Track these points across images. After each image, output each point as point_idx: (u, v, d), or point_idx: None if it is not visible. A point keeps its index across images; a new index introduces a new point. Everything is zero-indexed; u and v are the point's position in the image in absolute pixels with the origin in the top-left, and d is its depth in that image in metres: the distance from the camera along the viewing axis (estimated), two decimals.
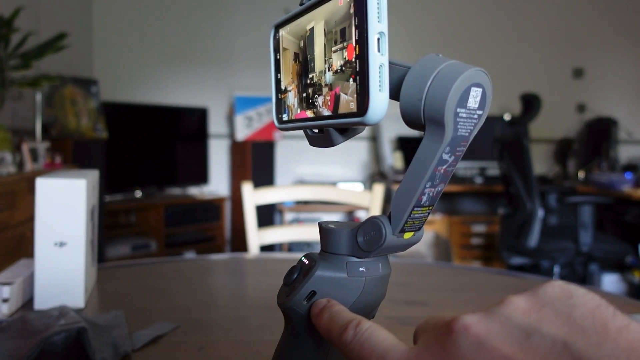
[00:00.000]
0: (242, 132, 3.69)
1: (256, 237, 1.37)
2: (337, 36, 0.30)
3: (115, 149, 3.24)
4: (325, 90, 0.32)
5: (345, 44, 0.30)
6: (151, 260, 1.02)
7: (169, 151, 3.73)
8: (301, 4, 0.34)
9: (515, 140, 2.63)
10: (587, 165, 3.71)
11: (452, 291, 0.87)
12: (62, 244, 0.68)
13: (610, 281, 3.21)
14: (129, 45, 3.79)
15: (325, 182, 3.80)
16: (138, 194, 3.48)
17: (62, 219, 0.68)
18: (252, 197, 1.39)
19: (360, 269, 0.33)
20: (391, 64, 0.29)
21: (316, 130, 0.36)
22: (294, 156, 4.03)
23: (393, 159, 3.75)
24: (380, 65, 0.28)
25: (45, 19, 2.89)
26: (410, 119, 0.29)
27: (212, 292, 0.85)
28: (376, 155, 4.09)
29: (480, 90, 0.28)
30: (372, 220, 0.32)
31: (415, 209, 0.30)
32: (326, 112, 0.32)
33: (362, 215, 3.79)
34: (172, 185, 3.74)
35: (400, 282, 0.90)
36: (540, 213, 2.57)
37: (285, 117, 0.38)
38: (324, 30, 0.32)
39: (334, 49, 0.31)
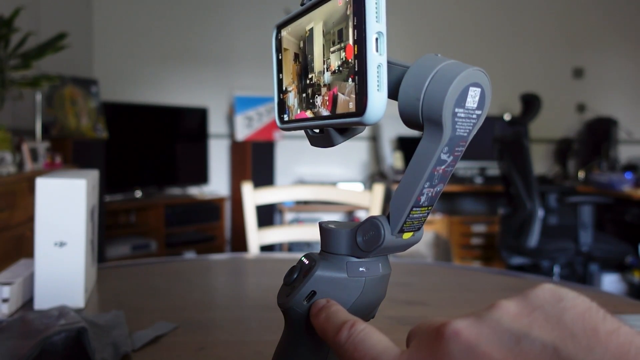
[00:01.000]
0: (242, 132, 3.69)
1: (256, 237, 1.37)
2: (335, 37, 0.30)
3: (115, 149, 3.24)
4: (324, 90, 0.32)
5: (343, 44, 0.30)
6: (151, 260, 1.02)
7: (169, 151, 3.73)
8: (302, 4, 0.34)
9: (515, 140, 2.63)
10: (587, 165, 3.71)
11: (452, 291, 0.87)
12: (62, 244, 0.68)
13: (610, 281, 3.21)
14: (129, 45, 3.79)
15: (325, 182, 3.80)
16: (138, 194, 3.48)
17: (62, 219, 0.68)
18: (252, 197, 1.39)
19: (360, 269, 0.33)
20: (390, 64, 0.29)
21: (317, 130, 0.36)
22: (294, 156, 4.03)
23: (393, 159, 3.75)
24: (379, 65, 0.28)
25: (45, 19, 2.89)
26: (408, 119, 0.29)
27: (212, 292, 0.85)
28: (376, 155, 4.09)
29: (478, 90, 0.28)
30: (371, 220, 0.32)
31: (414, 209, 0.30)
32: (325, 112, 0.32)
33: (362, 215, 3.79)
34: (172, 185, 3.74)
35: (400, 282, 0.90)
36: (540, 213, 2.57)
37: (286, 117, 0.38)
38: (323, 30, 0.32)
39: (332, 49, 0.31)
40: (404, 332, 0.30)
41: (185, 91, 3.88)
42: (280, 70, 0.38)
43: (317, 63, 0.33)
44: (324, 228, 0.34)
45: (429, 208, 0.31)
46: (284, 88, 0.38)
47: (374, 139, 4.10)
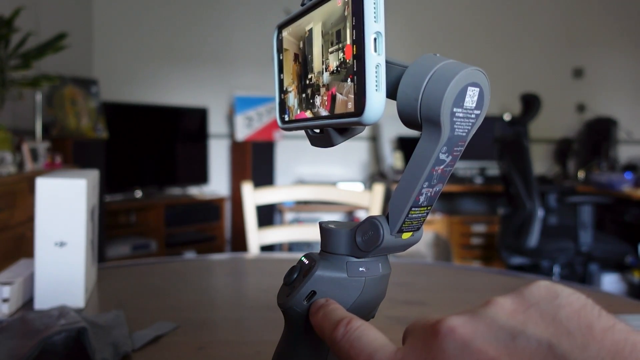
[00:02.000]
0: (242, 132, 3.69)
1: (256, 237, 1.37)
2: (333, 37, 0.30)
3: (115, 149, 3.24)
4: (322, 90, 0.32)
5: (341, 44, 0.30)
6: (151, 260, 1.02)
7: (169, 151, 3.73)
8: (302, 4, 0.34)
9: (515, 140, 2.63)
10: (587, 165, 3.71)
11: (452, 291, 0.87)
12: (62, 244, 0.69)
13: (610, 281, 3.21)
14: (129, 45, 3.80)
15: (325, 182, 3.80)
16: (138, 194, 3.48)
17: (62, 219, 0.68)
18: (252, 197, 1.39)
19: (360, 269, 0.33)
20: (389, 64, 0.29)
21: (317, 131, 0.36)
22: (294, 156, 4.03)
23: (393, 159, 3.75)
24: (377, 65, 0.28)
25: (45, 19, 2.89)
26: (407, 119, 0.29)
27: (212, 292, 0.85)
28: (376, 155, 4.09)
29: (477, 89, 0.28)
30: (370, 220, 0.32)
31: (413, 209, 0.30)
32: (324, 113, 0.32)
33: (362, 215, 3.79)
34: (172, 185, 3.74)
35: (400, 282, 0.90)
36: (540, 213, 2.57)
37: (287, 118, 0.38)
38: (322, 31, 0.32)
39: (330, 49, 0.31)
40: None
41: (185, 91, 3.88)
42: (281, 70, 0.38)
43: (316, 63, 0.33)
44: (323, 228, 0.34)
45: (428, 208, 0.31)
46: (284, 88, 0.38)
47: (374, 139, 4.10)
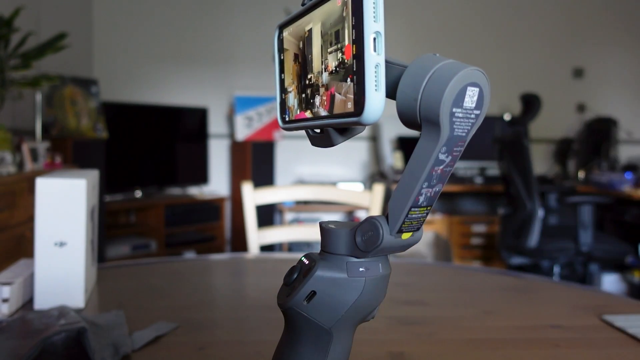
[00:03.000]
0: (242, 132, 3.69)
1: (256, 237, 1.37)
2: (332, 38, 0.30)
3: (115, 149, 3.24)
4: (322, 90, 0.32)
5: (340, 45, 0.30)
6: (151, 260, 1.02)
7: (169, 151, 3.73)
8: (302, 4, 0.34)
9: (515, 140, 2.63)
10: (587, 165, 3.71)
11: (452, 291, 0.87)
12: (62, 244, 0.69)
13: (610, 281, 3.21)
14: (129, 45, 3.80)
15: (325, 182, 3.80)
16: (138, 194, 3.48)
17: (62, 219, 0.68)
18: (252, 197, 1.39)
19: (360, 269, 0.33)
20: (389, 63, 0.29)
21: (318, 130, 0.36)
22: (294, 156, 4.03)
23: (393, 159, 3.75)
24: (377, 65, 0.28)
25: (45, 19, 2.89)
26: (406, 119, 0.29)
27: (212, 292, 0.85)
28: (376, 155, 4.09)
29: (476, 89, 0.28)
30: (369, 220, 0.32)
31: (413, 209, 0.30)
32: (324, 113, 0.32)
33: (362, 215, 3.79)
34: (172, 185, 3.74)
35: (400, 282, 0.90)
36: (540, 213, 2.57)
37: (287, 118, 0.38)
38: (321, 31, 0.32)
39: (329, 50, 0.31)
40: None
41: (185, 91, 3.89)
42: (282, 70, 0.38)
43: (316, 63, 0.33)
44: (324, 228, 0.34)
45: (428, 208, 0.31)
46: (285, 88, 0.38)
47: (374, 139, 4.10)
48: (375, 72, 0.28)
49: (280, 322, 0.36)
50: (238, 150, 3.79)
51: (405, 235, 0.32)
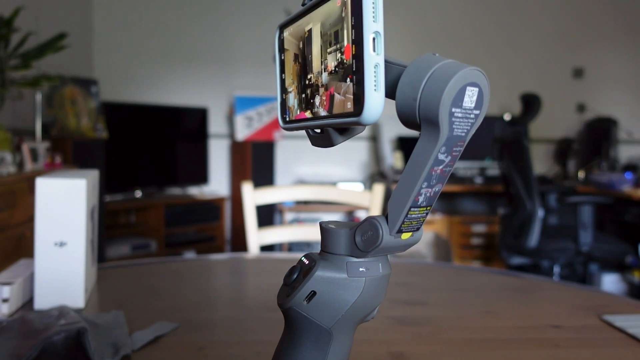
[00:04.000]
0: (242, 132, 3.69)
1: (256, 237, 1.37)
2: (331, 38, 0.30)
3: (115, 149, 3.24)
4: (321, 90, 0.32)
5: (339, 45, 0.30)
6: (151, 260, 1.02)
7: (169, 151, 3.73)
8: (303, 4, 0.34)
9: (515, 140, 2.63)
10: (587, 165, 3.71)
11: (452, 291, 0.87)
12: (62, 244, 0.69)
13: (610, 281, 3.21)
14: (129, 45, 3.80)
15: (325, 182, 3.80)
16: (138, 194, 3.48)
17: (62, 219, 0.68)
18: (252, 197, 1.39)
19: (361, 269, 0.33)
20: (388, 63, 0.29)
21: (318, 130, 0.36)
22: (294, 156, 4.03)
23: (393, 159, 3.75)
24: (376, 65, 0.28)
25: (45, 19, 2.89)
26: (406, 119, 0.29)
27: (212, 292, 0.85)
28: (376, 155, 4.09)
29: (476, 89, 0.28)
30: (369, 220, 0.32)
31: (412, 209, 0.30)
32: (323, 113, 0.32)
33: (362, 215, 3.79)
34: (172, 185, 3.74)
35: (400, 282, 0.90)
36: (540, 213, 2.57)
37: (288, 118, 0.38)
38: (321, 31, 0.32)
39: (329, 50, 0.31)
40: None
41: (185, 91, 3.89)
42: (283, 70, 0.38)
43: (316, 63, 0.33)
44: (324, 228, 0.34)
45: (428, 208, 0.31)
46: (286, 88, 0.38)
47: (374, 139, 4.10)
48: (375, 72, 0.28)
49: (280, 322, 0.36)
50: (238, 150, 3.79)
51: (405, 235, 0.32)
